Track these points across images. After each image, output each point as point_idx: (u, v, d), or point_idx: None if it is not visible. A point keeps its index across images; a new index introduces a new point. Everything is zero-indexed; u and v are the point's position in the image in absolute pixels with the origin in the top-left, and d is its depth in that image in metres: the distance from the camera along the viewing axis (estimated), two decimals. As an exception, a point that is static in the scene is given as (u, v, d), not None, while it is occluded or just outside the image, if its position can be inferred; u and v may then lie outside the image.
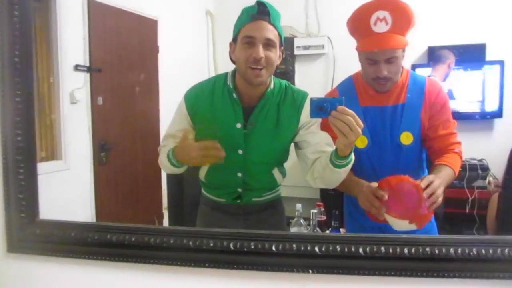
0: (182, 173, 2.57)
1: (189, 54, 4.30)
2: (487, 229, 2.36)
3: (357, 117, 1.23)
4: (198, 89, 1.60)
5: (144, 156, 3.58)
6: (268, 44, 1.43)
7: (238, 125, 1.53)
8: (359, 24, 1.56)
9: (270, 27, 1.43)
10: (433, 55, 3.44)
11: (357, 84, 1.71)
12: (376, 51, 1.53)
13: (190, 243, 0.91)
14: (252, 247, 0.88)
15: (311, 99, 1.27)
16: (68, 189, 2.96)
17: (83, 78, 3.08)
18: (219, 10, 4.76)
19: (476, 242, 0.76)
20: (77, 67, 3.01)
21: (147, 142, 3.61)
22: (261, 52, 1.41)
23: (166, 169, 1.59)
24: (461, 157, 1.68)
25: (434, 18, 3.85)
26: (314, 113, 1.27)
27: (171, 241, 0.92)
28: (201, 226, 1.75)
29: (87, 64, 3.09)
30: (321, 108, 1.24)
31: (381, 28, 1.50)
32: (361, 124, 1.24)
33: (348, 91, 1.68)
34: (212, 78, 1.65)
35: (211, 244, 0.91)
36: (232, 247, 0.91)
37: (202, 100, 1.56)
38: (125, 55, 3.46)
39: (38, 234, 0.92)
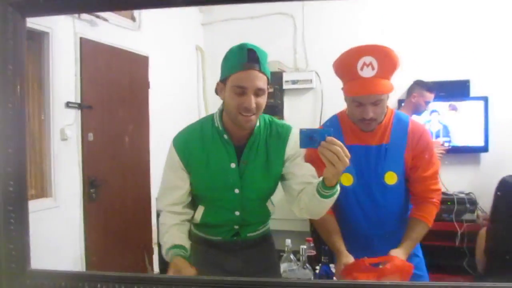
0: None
1: (180, 89, 4.36)
2: (476, 263, 2.37)
3: (344, 148, 1.28)
4: (186, 134, 1.59)
5: (134, 191, 3.57)
6: (259, 92, 1.45)
7: (233, 165, 1.54)
8: (346, 69, 1.61)
9: (260, 75, 1.44)
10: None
11: (342, 123, 1.75)
12: (363, 96, 1.58)
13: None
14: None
15: (301, 130, 1.30)
16: (57, 227, 2.93)
17: (74, 115, 3.10)
18: (208, 46, 4.85)
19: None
20: (68, 104, 3.03)
21: (137, 178, 3.61)
22: (253, 102, 1.43)
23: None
24: (437, 207, 1.72)
25: (421, 54, 3.98)
26: (304, 143, 1.31)
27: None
28: (197, 266, 1.73)
29: (78, 101, 3.11)
30: (311, 138, 1.29)
31: (367, 73, 1.54)
32: (349, 154, 1.28)
33: (333, 129, 1.71)
34: (197, 122, 1.64)
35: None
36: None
37: (193, 145, 1.55)
38: (116, 92, 3.49)
39: (28, 284, 0.91)
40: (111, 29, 3.41)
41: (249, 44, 1.46)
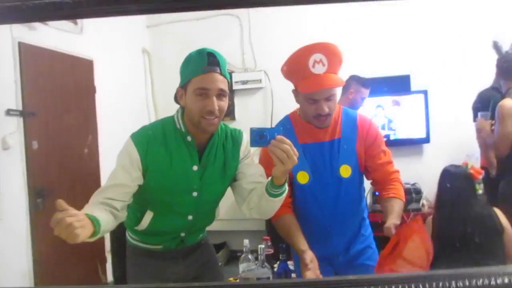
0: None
1: (128, 93, 4.27)
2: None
3: (293, 147, 1.31)
4: (148, 134, 1.54)
5: (84, 199, 3.41)
6: (221, 94, 1.45)
7: (195, 168, 1.53)
8: (298, 68, 1.64)
9: (221, 77, 1.45)
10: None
11: (294, 123, 1.79)
12: (317, 91, 1.61)
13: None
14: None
15: (252, 129, 1.33)
16: (1, 240, 2.79)
17: (16, 123, 2.97)
18: (155, 48, 4.78)
19: (421, 277, 0.79)
20: (9, 112, 2.90)
21: (87, 185, 3.49)
22: (216, 104, 1.43)
23: None
24: (402, 185, 1.81)
25: (362, 50, 4.11)
26: (254, 142, 1.33)
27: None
28: (135, 279, 1.68)
29: (20, 108, 2.98)
30: (261, 136, 1.32)
31: (319, 69, 1.60)
32: (297, 153, 1.32)
33: (286, 129, 1.74)
34: (157, 122, 1.62)
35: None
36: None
37: (155, 146, 1.51)
38: (60, 97, 3.37)
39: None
40: (52, 33, 3.29)
41: (208, 48, 1.47)
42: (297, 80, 1.67)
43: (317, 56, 1.59)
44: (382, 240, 2.01)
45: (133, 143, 1.49)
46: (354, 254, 1.83)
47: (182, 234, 1.64)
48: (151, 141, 1.51)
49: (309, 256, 1.60)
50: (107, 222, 1.38)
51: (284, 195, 1.44)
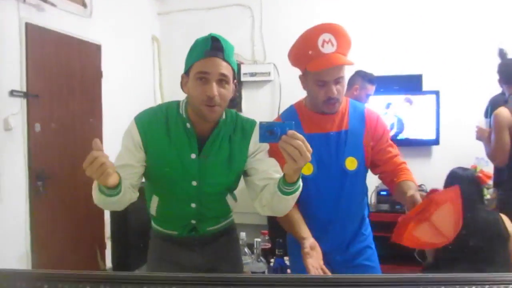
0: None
1: (135, 79, 4.24)
2: (426, 253, 2.42)
3: (306, 142, 1.21)
4: (150, 115, 1.51)
5: (86, 184, 3.38)
6: (222, 80, 1.40)
7: (193, 156, 1.48)
8: (307, 48, 1.61)
9: (224, 63, 1.39)
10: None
11: (300, 112, 1.74)
12: (326, 71, 1.58)
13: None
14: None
15: (261, 123, 1.23)
16: (1, 222, 2.79)
17: (19, 104, 2.94)
18: (165, 36, 4.75)
19: (422, 280, 0.75)
20: (12, 93, 2.87)
21: (88, 170, 3.47)
22: (215, 89, 1.38)
23: (99, 202, 1.40)
24: (411, 172, 1.75)
25: (376, 47, 4.05)
26: (263, 138, 1.23)
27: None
28: (154, 261, 1.67)
29: (24, 90, 2.96)
30: (271, 132, 1.21)
31: (328, 49, 1.57)
32: (310, 149, 1.22)
33: (291, 119, 1.69)
34: (163, 105, 1.58)
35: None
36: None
37: (157, 128, 1.48)
38: (65, 81, 3.34)
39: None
40: (60, 15, 3.26)
41: (213, 34, 1.43)
42: (306, 61, 1.62)
43: (326, 36, 1.57)
44: (382, 241, 1.96)
45: (135, 124, 1.48)
46: (353, 254, 1.78)
47: (193, 222, 1.59)
48: (152, 122, 1.49)
49: (309, 242, 1.53)
50: (126, 186, 1.39)
51: (298, 192, 1.36)
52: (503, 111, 2.74)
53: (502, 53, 2.91)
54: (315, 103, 1.68)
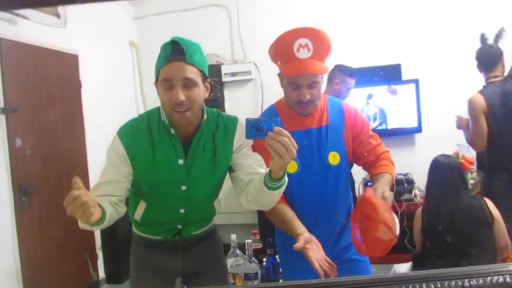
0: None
1: (115, 86, 4.21)
2: (414, 241, 2.45)
3: (292, 139, 1.23)
4: (133, 127, 1.49)
5: (72, 196, 3.40)
6: (188, 84, 1.38)
7: (180, 161, 1.47)
8: (282, 51, 1.61)
9: (188, 66, 1.37)
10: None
11: (280, 111, 1.74)
12: (299, 76, 1.58)
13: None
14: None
15: (247, 120, 1.24)
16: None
17: (-2, 120, 2.91)
18: (143, 40, 4.71)
19: (413, 278, 0.76)
20: (-10, 109, 2.84)
21: (74, 181, 3.44)
22: (181, 95, 1.36)
23: (83, 227, 1.36)
24: (392, 163, 1.77)
25: (353, 40, 4.07)
26: (250, 134, 1.24)
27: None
28: (136, 269, 1.67)
29: (2, 105, 2.91)
30: (258, 129, 1.22)
31: (303, 54, 1.57)
32: (296, 145, 1.24)
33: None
34: (144, 114, 1.56)
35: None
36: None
37: (140, 139, 1.47)
38: (44, 93, 3.30)
39: None
40: (34, 27, 3.22)
41: (175, 37, 1.41)
42: (281, 63, 1.63)
43: (302, 41, 1.55)
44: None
45: (119, 138, 1.46)
46: (341, 248, 1.79)
47: (179, 226, 1.59)
48: (135, 134, 1.47)
49: (304, 237, 1.52)
50: (111, 211, 1.37)
51: (284, 187, 1.38)
52: (476, 97, 2.78)
53: (483, 39, 2.95)
54: (289, 103, 1.69)
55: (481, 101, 2.75)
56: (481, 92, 2.80)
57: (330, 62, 3.31)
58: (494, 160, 2.78)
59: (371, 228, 1.49)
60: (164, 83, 1.38)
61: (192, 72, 1.39)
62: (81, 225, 1.33)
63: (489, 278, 0.70)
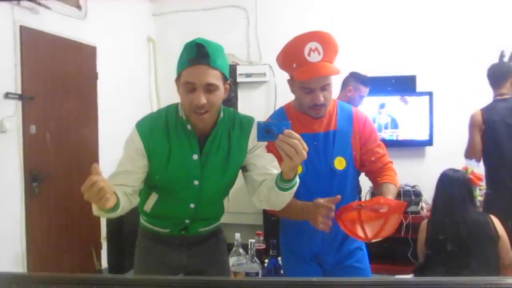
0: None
1: (130, 81, 4.24)
2: (418, 253, 2.45)
3: (302, 141, 1.25)
4: (151, 123, 1.53)
5: (81, 185, 3.41)
6: (209, 88, 1.40)
7: (195, 157, 1.50)
8: (293, 56, 1.62)
9: (210, 70, 1.39)
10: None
11: (289, 114, 1.75)
12: (313, 79, 1.59)
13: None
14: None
15: (258, 123, 1.27)
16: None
17: (14, 106, 2.96)
18: (160, 37, 4.75)
19: (422, 283, 0.77)
20: (7, 95, 2.89)
21: (84, 171, 3.44)
22: (203, 98, 1.39)
23: (101, 216, 1.43)
24: (395, 173, 1.79)
25: (369, 50, 4.06)
26: (261, 137, 1.27)
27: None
28: (141, 261, 1.70)
29: (19, 92, 2.97)
30: (268, 131, 1.25)
31: (315, 58, 1.58)
32: (306, 147, 1.25)
33: (280, 120, 1.72)
34: (162, 110, 1.59)
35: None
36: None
37: (158, 134, 1.50)
38: (61, 83, 3.35)
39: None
40: (55, 18, 3.27)
41: (199, 39, 1.43)
42: (292, 69, 1.64)
43: (312, 45, 1.58)
44: (373, 244, 1.96)
45: (137, 131, 1.50)
46: (343, 255, 1.80)
47: (187, 221, 1.61)
48: (153, 128, 1.51)
49: (308, 207, 1.54)
50: (125, 201, 1.41)
51: (295, 188, 1.40)
52: (476, 113, 2.94)
53: (501, 56, 2.99)
54: (301, 107, 1.70)
55: (478, 118, 2.92)
56: (482, 109, 2.92)
57: (345, 70, 3.32)
58: (493, 177, 2.91)
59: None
60: (186, 85, 1.41)
61: (214, 77, 1.41)
62: (95, 211, 1.37)
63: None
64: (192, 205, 1.57)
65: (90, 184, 1.22)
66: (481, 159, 2.92)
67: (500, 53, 2.98)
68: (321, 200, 1.51)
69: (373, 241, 1.48)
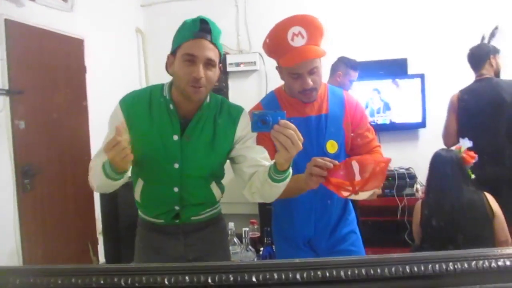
0: (117, 194, 2.40)
1: (120, 73, 4.20)
2: (413, 235, 2.45)
3: (298, 132, 1.24)
4: (134, 97, 1.54)
5: (75, 179, 3.42)
6: (209, 63, 1.41)
7: (175, 137, 1.49)
8: (277, 42, 1.60)
9: (211, 46, 1.41)
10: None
11: (280, 98, 1.75)
12: (299, 64, 1.58)
13: (122, 281, 0.85)
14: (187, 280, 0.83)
15: (253, 113, 1.26)
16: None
17: (2, 102, 2.91)
18: (149, 28, 4.70)
19: (410, 259, 0.76)
20: (-5, 91, 2.85)
21: (77, 165, 3.45)
22: (202, 72, 1.39)
23: (100, 185, 1.45)
24: (382, 156, 1.79)
25: (360, 34, 4.04)
26: (256, 127, 1.25)
27: (101, 281, 0.85)
28: (140, 251, 1.69)
29: (6, 87, 2.92)
30: (263, 121, 1.24)
31: (298, 42, 1.56)
32: (302, 138, 1.25)
33: (271, 105, 1.71)
34: (147, 87, 1.60)
35: (144, 281, 0.85)
36: (167, 282, 0.86)
37: (140, 109, 1.50)
38: (49, 76, 3.31)
39: None
40: (40, 10, 3.22)
41: (203, 16, 1.44)
42: (278, 55, 1.63)
43: (295, 29, 1.56)
44: (371, 225, 1.98)
45: (119, 106, 1.52)
46: (337, 239, 1.80)
47: (176, 208, 1.59)
48: (135, 104, 1.51)
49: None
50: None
51: (289, 179, 1.39)
52: (453, 96, 2.95)
53: (482, 39, 3.00)
54: (292, 93, 1.69)
55: (454, 99, 2.93)
56: (461, 90, 2.94)
57: (335, 55, 3.29)
58: None
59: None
60: (187, 57, 1.40)
61: (214, 53, 1.43)
62: (100, 181, 1.41)
63: (474, 262, 0.70)
64: (175, 189, 1.54)
65: (114, 143, 1.26)
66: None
67: (481, 37, 2.99)
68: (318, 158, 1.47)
69: (360, 194, 1.41)
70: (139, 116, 1.50)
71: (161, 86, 1.55)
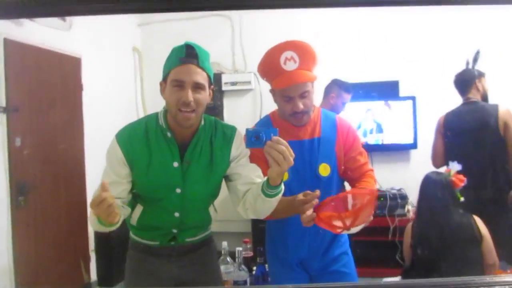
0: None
1: (116, 91, 4.24)
2: (404, 256, 2.48)
3: (289, 148, 1.31)
4: (130, 131, 1.56)
5: (68, 197, 3.43)
6: (197, 87, 1.45)
7: (175, 164, 1.52)
8: (270, 66, 1.67)
9: (199, 70, 1.46)
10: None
11: (274, 121, 1.80)
12: (290, 87, 1.63)
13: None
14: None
15: (247, 130, 1.33)
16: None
17: (-1, 119, 2.94)
18: (146, 46, 4.75)
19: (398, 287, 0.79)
20: (-8, 108, 2.87)
21: (71, 183, 3.47)
22: (190, 96, 1.43)
23: (97, 230, 1.47)
24: (375, 181, 1.84)
25: (353, 57, 4.12)
26: (250, 143, 1.32)
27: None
28: (131, 274, 1.70)
29: (3, 104, 2.95)
30: (257, 138, 1.31)
31: (290, 66, 1.62)
32: (293, 154, 1.32)
33: (266, 128, 1.75)
34: (142, 119, 1.63)
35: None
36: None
37: (137, 143, 1.52)
38: (46, 94, 3.34)
39: None
40: (39, 29, 3.26)
41: (189, 41, 1.48)
42: (271, 78, 1.69)
43: (288, 54, 1.62)
44: (364, 245, 2.00)
45: (116, 141, 1.52)
46: (329, 260, 1.82)
47: (174, 231, 1.61)
48: (132, 137, 1.53)
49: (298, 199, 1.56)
50: (123, 213, 1.47)
51: (281, 194, 1.44)
52: (440, 118, 3.00)
53: (466, 64, 3.06)
54: (284, 116, 1.74)
55: (440, 122, 2.98)
56: (447, 112, 2.99)
57: (329, 77, 3.34)
58: None
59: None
60: (175, 83, 1.45)
61: (202, 77, 1.47)
62: (96, 225, 1.41)
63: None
64: (176, 214, 1.57)
65: (99, 200, 1.26)
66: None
67: (466, 62, 3.06)
68: (300, 196, 1.54)
69: (352, 229, 1.49)
70: (137, 150, 1.52)
71: (156, 115, 1.58)
